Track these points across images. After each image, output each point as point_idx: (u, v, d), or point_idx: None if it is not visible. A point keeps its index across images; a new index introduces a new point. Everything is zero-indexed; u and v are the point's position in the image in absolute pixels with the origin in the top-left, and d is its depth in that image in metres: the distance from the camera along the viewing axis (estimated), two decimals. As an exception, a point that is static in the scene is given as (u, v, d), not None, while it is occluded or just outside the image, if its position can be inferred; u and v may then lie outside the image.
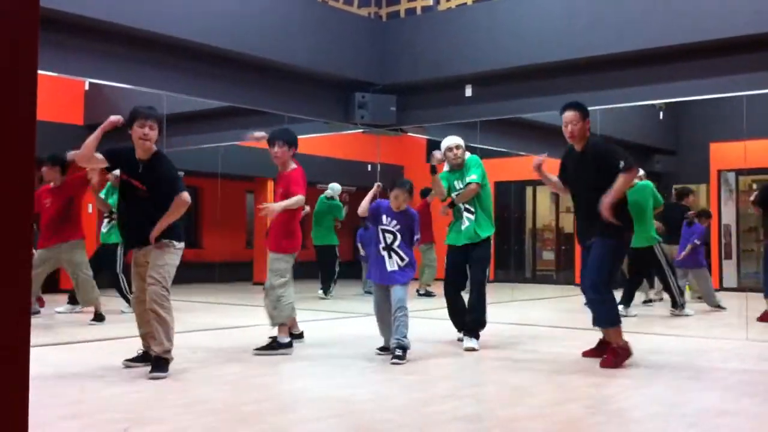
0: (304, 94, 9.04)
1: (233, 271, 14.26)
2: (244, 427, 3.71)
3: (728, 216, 13.19)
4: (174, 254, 5.16)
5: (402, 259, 5.92)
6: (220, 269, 13.49)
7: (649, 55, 7.65)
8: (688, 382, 5.05)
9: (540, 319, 9.02)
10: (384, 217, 5.99)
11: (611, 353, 5.48)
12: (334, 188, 12.45)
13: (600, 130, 11.07)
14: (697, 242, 10.25)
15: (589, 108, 9.02)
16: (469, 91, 8.96)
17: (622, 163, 5.45)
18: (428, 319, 8.39)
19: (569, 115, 5.82)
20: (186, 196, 5.13)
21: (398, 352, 5.63)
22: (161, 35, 7.33)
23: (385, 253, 5.94)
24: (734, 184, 13.45)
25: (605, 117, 11.00)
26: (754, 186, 14.07)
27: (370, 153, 12.43)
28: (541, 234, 16.56)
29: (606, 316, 5.53)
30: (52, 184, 7.97)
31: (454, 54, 8.83)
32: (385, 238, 5.97)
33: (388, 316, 5.89)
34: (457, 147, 6.83)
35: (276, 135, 6.21)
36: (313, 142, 12.58)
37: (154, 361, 5.01)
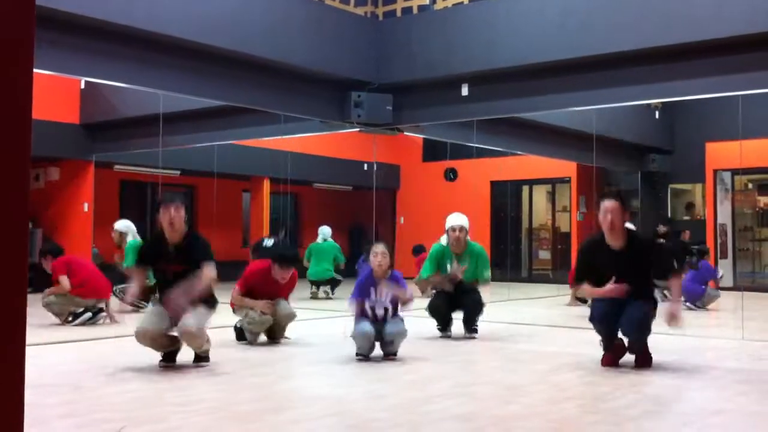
0: (300, 93, 9.03)
1: (229, 271, 14.25)
2: (239, 426, 3.72)
3: (724, 216, 13.22)
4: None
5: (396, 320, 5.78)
6: (216, 268, 13.47)
7: (645, 55, 7.65)
8: (683, 381, 5.06)
9: (536, 318, 9.04)
10: (372, 293, 5.71)
11: (646, 354, 5.43)
12: (325, 232, 12.47)
13: (596, 129, 11.14)
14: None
15: (585, 108, 9.14)
16: (465, 91, 8.96)
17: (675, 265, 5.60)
18: (422, 318, 8.38)
19: (611, 204, 5.31)
20: (213, 271, 5.29)
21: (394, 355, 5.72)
22: (157, 34, 7.32)
23: (377, 318, 5.73)
24: (730, 184, 13.48)
25: (601, 116, 11.05)
26: (750, 186, 14.13)
27: (366, 152, 12.44)
28: (538, 233, 16.58)
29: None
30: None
31: (451, 53, 8.83)
32: (375, 314, 5.70)
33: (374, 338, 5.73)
34: (461, 230, 7.05)
35: (292, 260, 6.64)
36: (308, 141, 12.60)
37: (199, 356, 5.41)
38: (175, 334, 5.27)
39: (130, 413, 3.95)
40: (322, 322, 8.55)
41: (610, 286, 5.23)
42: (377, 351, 5.73)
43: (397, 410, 4.10)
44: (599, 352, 5.66)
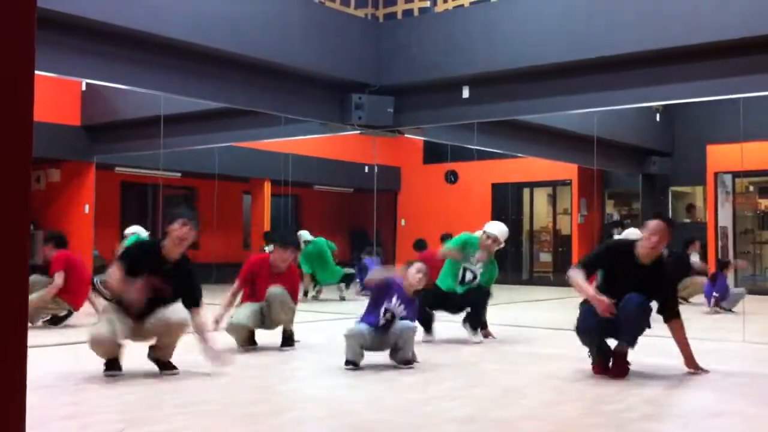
0: (300, 95, 9.04)
1: (230, 272, 14.24)
2: (240, 428, 3.72)
3: (725, 218, 13.21)
4: None
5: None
6: (216, 270, 13.48)
7: (646, 57, 7.66)
8: (684, 383, 5.06)
9: (536, 320, 9.04)
10: (394, 298, 5.51)
11: (626, 362, 5.20)
12: (303, 235, 11.93)
13: (597, 132, 11.15)
14: (716, 295, 10.17)
15: (587, 110, 9.15)
16: (466, 93, 8.96)
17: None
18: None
19: (662, 226, 5.12)
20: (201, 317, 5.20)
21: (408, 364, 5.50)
22: (158, 36, 7.33)
23: (383, 323, 5.51)
24: (731, 186, 13.48)
25: (602, 119, 11.06)
26: (751, 188, 14.13)
27: (366, 154, 12.45)
28: (539, 236, 16.58)
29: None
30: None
31: (451, 55, 8.84)
32: (385, 316, 5.50)
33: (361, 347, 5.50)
34: (496, 241, 7.09)
35: (292, 242, 6.76)
36: (309, 143, 12.61)
37: (167, 365, 5.14)
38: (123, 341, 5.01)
39: (131, 415, 3.96)
40: (322, 324, 8.55)
41: (599, 298, 4.96)
42: (376, 359, 5.72)
43: (397, 412, 4.11)
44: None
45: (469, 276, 7.04)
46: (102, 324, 4.99)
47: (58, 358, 5.89)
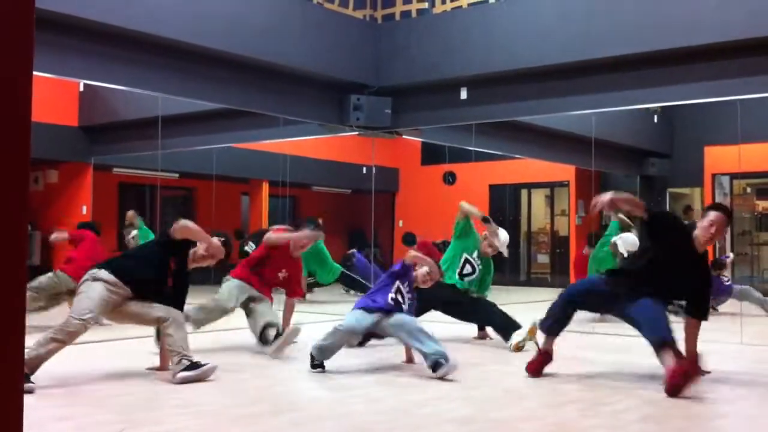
0: (299, 96, 9.03)
1: (228, 274, 14.22)
2: (238, 429, 3.72)
3: (722, 219, 13.19)
4: None
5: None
6: (215, 271, 13.47)
7: (644, 59, 7.66)
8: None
9: (533, 322, 9.01)
10: (406, 284, 5.60)
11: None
12: None
13: (594, 133, 11.15)
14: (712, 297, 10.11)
15: (584, 112, 9.14)
16: (464, 94, 8.96)
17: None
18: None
19: (721, 217, 5.11)
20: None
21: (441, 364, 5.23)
22: (156, 36, 7.32)
23: (390, 302, 5.50)
24: (729, 188, 13.47)
25: (600, 120, 11.05)
26: (748, 190, 14.14)
27: (365, 155, 12.43)
28: (536, 237, 16.58)
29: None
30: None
31: (449, 57, 8.83)
32: (395, 297, 5.51)
33: (353, 340, 5.56)
34: (494, 247, 7.27)
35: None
36: (307, 144, 12.60)
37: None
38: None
39: (130, 415, 3.95)
40: (322, 324, 8.54)
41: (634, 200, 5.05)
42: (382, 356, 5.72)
43: (396, 413, 4.10)
44: (598, 356, 5.66)
45: (468, 269, 7.03)
46: (88, 308, 4.84)
47: (54, 359, 5.86)
